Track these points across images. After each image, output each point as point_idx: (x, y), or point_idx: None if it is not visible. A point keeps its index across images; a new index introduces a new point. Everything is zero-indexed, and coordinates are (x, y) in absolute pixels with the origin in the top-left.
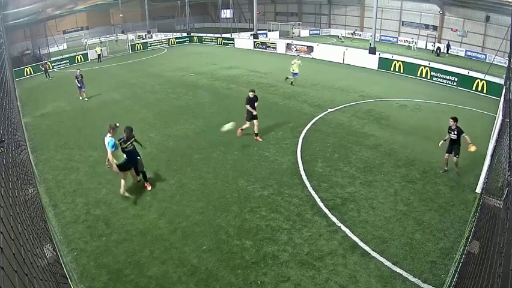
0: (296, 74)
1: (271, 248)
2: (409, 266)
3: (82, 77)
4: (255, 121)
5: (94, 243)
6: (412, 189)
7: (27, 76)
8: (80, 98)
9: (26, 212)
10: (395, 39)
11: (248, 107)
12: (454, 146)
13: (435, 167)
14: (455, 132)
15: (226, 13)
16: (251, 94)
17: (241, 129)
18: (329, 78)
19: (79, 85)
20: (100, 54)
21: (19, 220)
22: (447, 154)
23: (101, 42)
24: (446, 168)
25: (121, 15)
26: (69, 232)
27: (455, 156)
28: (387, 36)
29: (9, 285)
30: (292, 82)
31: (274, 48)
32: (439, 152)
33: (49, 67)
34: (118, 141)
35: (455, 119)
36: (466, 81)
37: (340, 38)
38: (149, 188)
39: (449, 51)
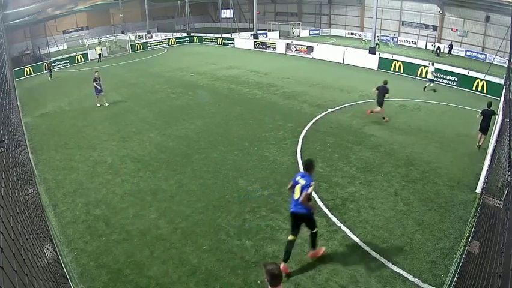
0: (431, 80)
1: (271, 248)
2: (409, 266)
3: (100, 80)
4: (379, 108)
5: (94, 243)
6: (412, 189)
7: (27, 76)
8: (98, 104)
9: (26, 212)
10: (395, 39)
11: (380, 95)
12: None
13: (435, 167)
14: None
15: (226, 13)
16: (387, 86)
17: (372, 111)
18: (329, 78)
19: (99, 88)
20: (100, 54)
21: (19, 220)
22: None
23: (99, 42)
24: (478, 144)
25: (121, 15)
26: (69, 232)
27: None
28: (387, 36)
29: (9, 285)
30: (432, 89)
31: (274, 48)
32: (439, 151)
33: (50, 67)
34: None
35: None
36: (466, 81)
37: (363, 40)
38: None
39: (451, 52)
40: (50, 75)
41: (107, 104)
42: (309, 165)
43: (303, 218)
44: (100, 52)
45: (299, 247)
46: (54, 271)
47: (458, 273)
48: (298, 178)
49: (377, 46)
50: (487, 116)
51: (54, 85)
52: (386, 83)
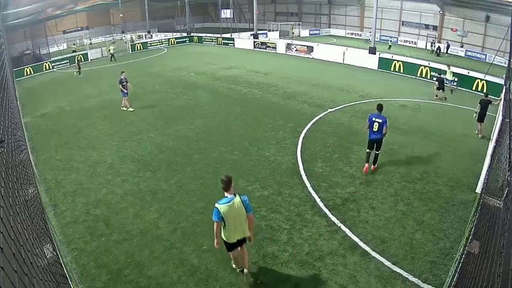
0: (450, 81)
1: (271, 248)
2: (409, 266)
3: (126, 82)
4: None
5: (94, 243)
6: (412, 189)
7: (27, 76)
8: (124, 108)
9: (26, 212)
10: (395, 39)
11: (440, 82)
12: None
13: (435, 167)
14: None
15: (226, 13)
16: (442, 76)
17: (437, 96)
18: (329, 78)
19: (125, 91)
20: (113, 54)
21: (19, 220)
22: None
23: (90, 43)
24: (480, 134)
25: (121, 15)
26: (69, 232)
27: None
28: (387, 36)
29: (9, 285)
30: (451, 91)
31: (274, 48)
32: (439, 151)
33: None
34: None
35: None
36: (466, 81)
37: (390, 42)
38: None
39: (448, 51)
40: (79, 71)
41: (132, 109)
42: (381, 108)
43: (378, 141)
44: (113, 51)
45: (299, 247)
46: (54, 271)
47: (458, 273)
48: (374, 118)
49: (389, 47)
50: (484, 105)
51: (54, 85)
52: (440, 74)
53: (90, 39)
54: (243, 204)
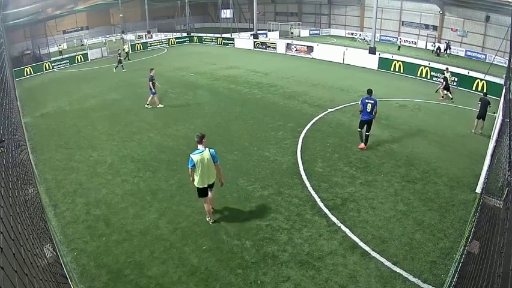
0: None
1: (271, 248)
2: (409, 266)
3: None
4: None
5: (94, 243)
6: (412, 189)
7: (27, 76)
8: (148, 106)
9: (26, 212)
10: (395, 39)
11: (446, 82)
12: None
13: (435, 167)
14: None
15: (226, 13)
16: (446, 75)
17: (443, 97)
18: (329, 78)
19: (154, 90)
20: (127, 52)
21: (19, 220)
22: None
23: (82, 45)
24: (474, 130)
25: (121, 15)
26: (69, 232)
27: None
28: (387, 36)
29: (9, 285)
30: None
31: (274, 48)
32: (439, 151)
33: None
34: None
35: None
36: (466, 81)
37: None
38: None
39: (448, 52)
40: (122, 66)
41: (161, 106)
42: (371, 92)
43: (370, 121)
44: (128, 50)
45: (299, 247)
46: (54, 271)
47: (458, 273)
48: (366, 101)
49: (398, 48)
50: (484, 103)
51: (54, 85)
52: (444, 74)
53: (81, 41)
54: (211, 156)
